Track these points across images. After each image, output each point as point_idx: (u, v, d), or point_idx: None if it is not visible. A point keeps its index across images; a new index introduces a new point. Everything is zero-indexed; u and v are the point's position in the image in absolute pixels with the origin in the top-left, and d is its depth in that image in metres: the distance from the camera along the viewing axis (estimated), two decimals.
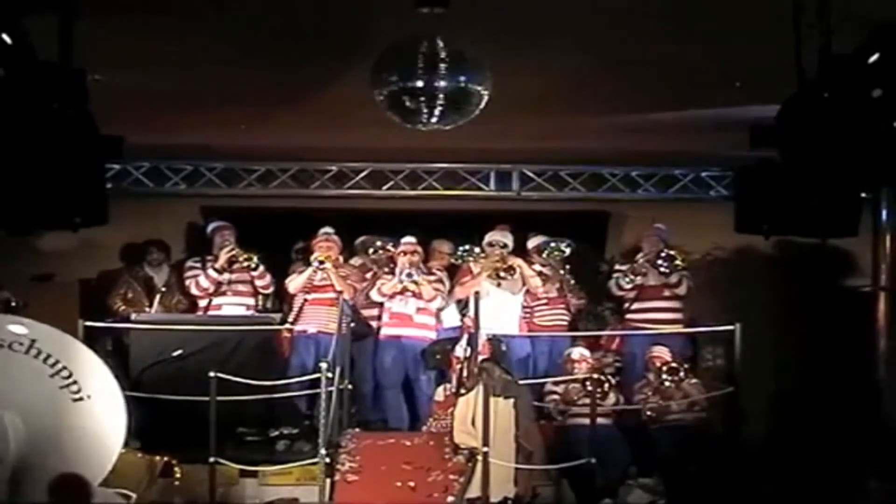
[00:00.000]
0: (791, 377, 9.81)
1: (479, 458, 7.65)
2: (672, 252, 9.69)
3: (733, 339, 8.93)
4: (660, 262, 9.65)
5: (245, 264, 9.62)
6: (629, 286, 9.79)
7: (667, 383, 8.97)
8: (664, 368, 9.01)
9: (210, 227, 9.98)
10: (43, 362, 5.88)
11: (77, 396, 5.86)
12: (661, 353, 9.19)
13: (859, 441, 8.14)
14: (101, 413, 5.92)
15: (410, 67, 5.94)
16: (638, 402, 9.13)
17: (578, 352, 9.21)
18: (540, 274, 9.83)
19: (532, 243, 10.04)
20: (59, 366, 5.89)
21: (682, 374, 9.00)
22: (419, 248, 9.73)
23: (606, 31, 6.37)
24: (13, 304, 8.62)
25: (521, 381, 8.49)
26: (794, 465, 7.84)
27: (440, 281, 9.67)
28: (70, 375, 5.88)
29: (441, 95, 6.00)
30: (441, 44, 5.90)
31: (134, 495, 5.78)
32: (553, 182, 10.70)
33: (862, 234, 8.15)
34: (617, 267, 10.03)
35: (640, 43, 6.59)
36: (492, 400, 7.73)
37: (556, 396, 8.99)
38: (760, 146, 5.58)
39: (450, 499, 7.73)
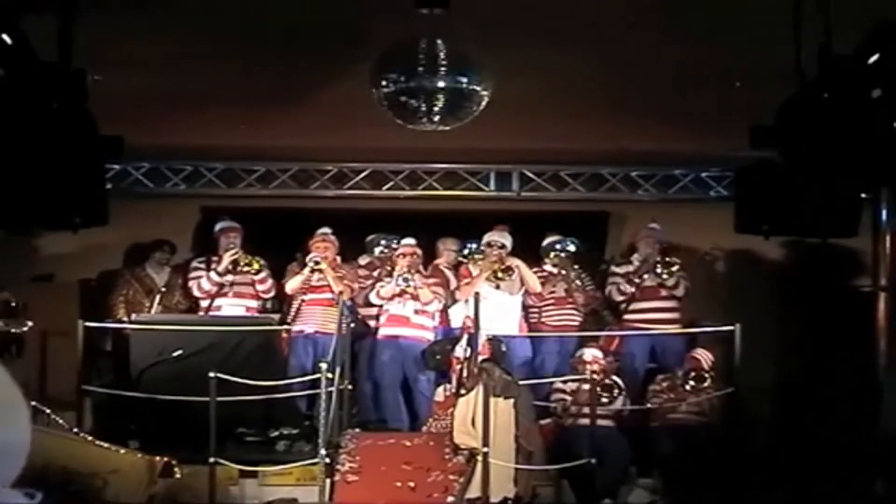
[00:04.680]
0: (791, 377, 9.80)
1: (479, 458, 7.65)
2: (669, 258, 9.69)
3: (733, 339, 8.93)
4: (659, 269, 9.65)
5: (246, 270, 9.61)
6: (631, 290, 9.78)
7: (688, 387, 8.98)
8: (693, 373, 9.01)
9: (217, 227, 9.95)
10: None
11: None
12: (702, 356, 9.17)
13: (859, 441, 8.13)
14: None
15: (410, 67, 5.96)
16: (651, 393, 9.15)
17: (591, 353, 9.15)
18: (549, 274, 9.84)
19: (543, 244, 10.05)
20: None
21: (706, 384, 8.99)
22: (418, 251, 9.73)
23: (606, 31, 6.38)
24: (13, 304, 8.62)
25: (521, 382, 8.48)
26: (794, 465, 7.83)
27: (439, 284, 9.68)
28: None
29: (441, 95, 6.02)
30: (441, 44, 5.91)
31: (40, 495, 5.64)
32: (553, 182, 10.70)
33: (862, 234, 8.13)
34: (613, 269, 10.00)
35: (639, 43, 6.60)
36: (492, 400, 7.72)
37: (563, 396, 8.97)
38: (760, 146, 5.58)
39: (450, 499, 7.73)
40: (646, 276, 9.73)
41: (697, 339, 9.75)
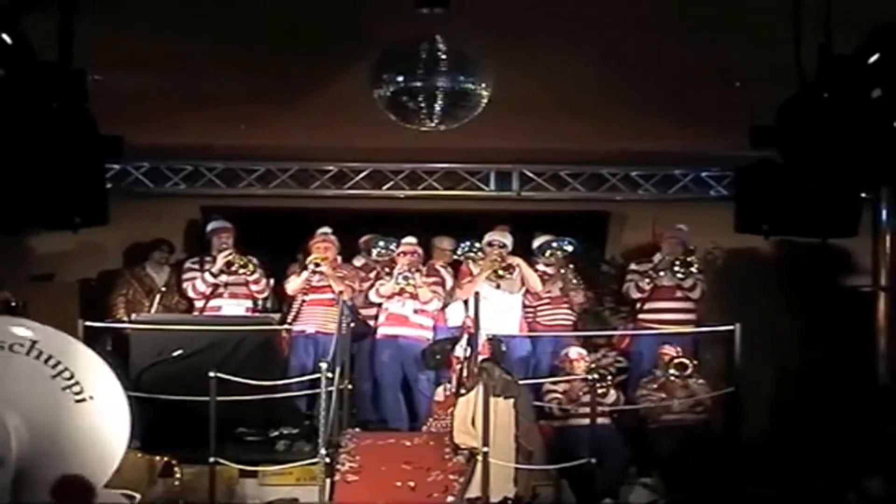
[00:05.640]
0: (791, 377, 9.80)
1: (479, 458, 7.65)
2: (690, 259, 9.67)
3: (733, 339, 8.93)
4: (676, 268, 9.63)
5: (241, 272, 9.61)
6: (649, 287, 9.78)
7: (671, 378, 8.98)
8: (672, 364, 9.02)
9: (209, 228, 9.95)
10: (44, 363, 5.87)
11: (79, 398, 5.85)
12: (669, 350, 9.20)
13: (859, 441, 8.13)
14: (103, 414, 5.92)
15: (410, 67, 5.97)
16: (639, 397, 9.14)
17: (576, 351, 9.20)
18: (543, 274, 9.83)
19: (536, 243, 10.05)
20: (61, 367, 5.88)
21: (688, 371, 9.01)
22: (419, 250, 9.74)
23: (606, 31, 6.38)
24: (13, 304, 8.62)
25: (521, 381, 8.48)
26: (794, 465, 7.83)
27: (438, 283, 9.67)
28: (72, 377, 5.88)
29: (441, 95, 6.03)
30: (441, 44, 5.91)
31: (138, 496, 5.72)
32: (553, 182, 10.70)
33: (862, 234, 8.16)
34: (633, 267, 9.98)
35: (639, 43, 6.60)
36: (492, 400, 7.72)
37: (557, 395, 8.98)
38: (760, 146, 5.58)
39: (450, 499, 7.73)
40: (663, 274, 9.72)
41: (701, 339, 9.78)
